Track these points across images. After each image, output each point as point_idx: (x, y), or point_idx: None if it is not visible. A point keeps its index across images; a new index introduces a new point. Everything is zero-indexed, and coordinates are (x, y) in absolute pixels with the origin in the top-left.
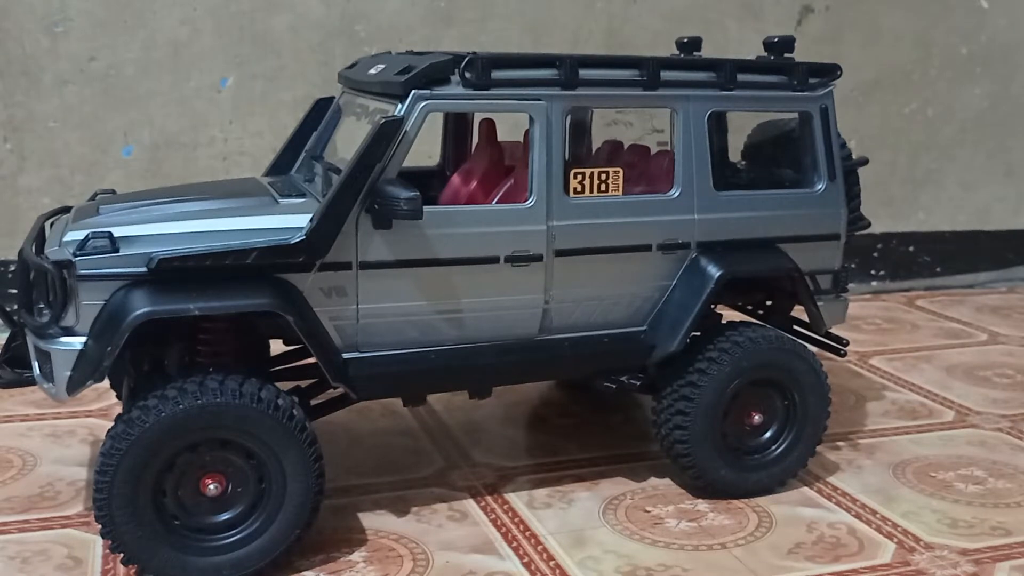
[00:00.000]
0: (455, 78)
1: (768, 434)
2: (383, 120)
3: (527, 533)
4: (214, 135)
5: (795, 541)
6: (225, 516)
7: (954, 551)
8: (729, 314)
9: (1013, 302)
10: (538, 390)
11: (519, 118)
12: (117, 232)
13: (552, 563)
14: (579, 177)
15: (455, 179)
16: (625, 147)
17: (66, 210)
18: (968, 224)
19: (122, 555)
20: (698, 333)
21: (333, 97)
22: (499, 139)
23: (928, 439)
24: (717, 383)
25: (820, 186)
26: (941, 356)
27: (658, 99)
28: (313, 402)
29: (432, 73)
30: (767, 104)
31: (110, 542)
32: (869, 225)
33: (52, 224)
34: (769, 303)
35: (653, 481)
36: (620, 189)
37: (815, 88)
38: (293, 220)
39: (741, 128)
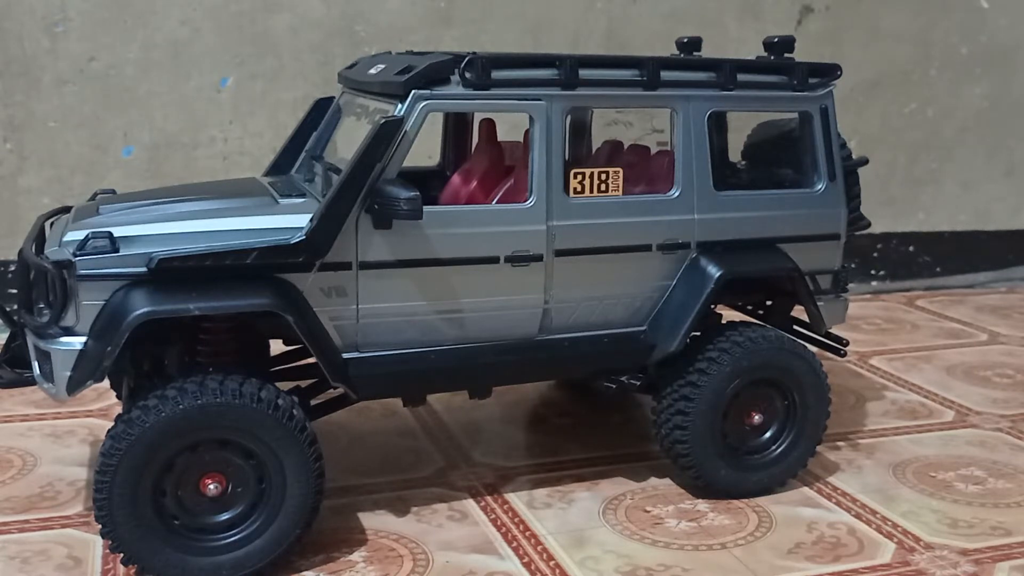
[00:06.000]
0: (455, 78)
1: (768, 434)
2: (383, 120)
3: (527, 533)
4: (214, 135)
5: (795, 541)
6: (225, 516)
7: (954, 551)
8: (729, 314)
9: (1013, 302)
10: (538, 390)
11: (519, 118)
12: (117, 232)
13: (552, 563)
14: (579, 177)
15: (455, 179)
16: (625, 147)
17: (66, 210)
18: (968, 224)
19: (122, 555)
20: (698, 333)
21: (333, 97)
22: (499, 139)
23: (928, 439)
24: (717, 383)
25: (820, 186)
26: (941, 356)
27: (658, 99)
28: (313, 402)
29: (432, 73)
30: (767, 104)
31: (110, 542)
32: (869, 225)
33: (52, 224)
34: (769, 303)
35: (653, 481)
36: (620, 189)
37: (815, 88)
38: (293, 220)
39: (741, 128)
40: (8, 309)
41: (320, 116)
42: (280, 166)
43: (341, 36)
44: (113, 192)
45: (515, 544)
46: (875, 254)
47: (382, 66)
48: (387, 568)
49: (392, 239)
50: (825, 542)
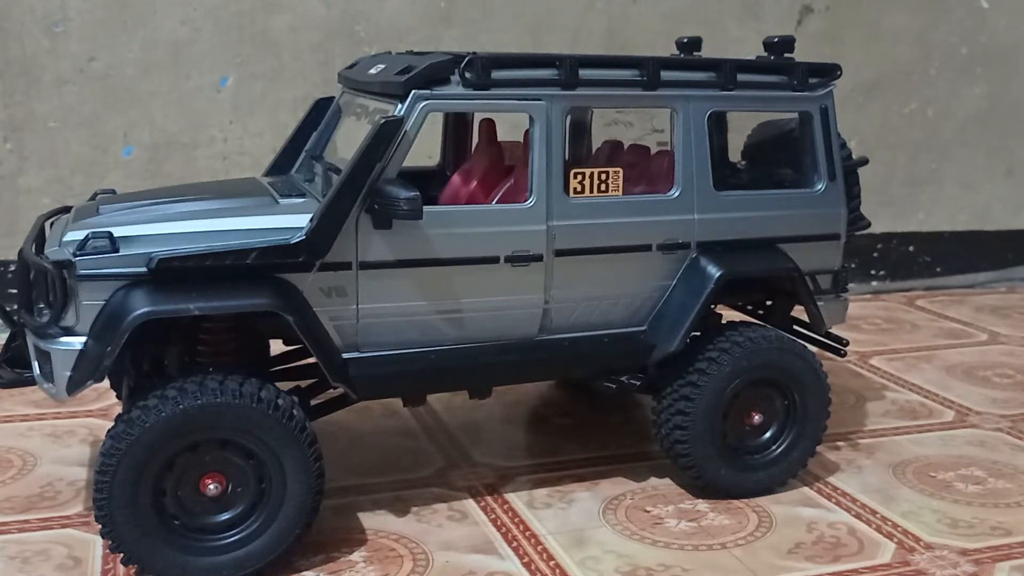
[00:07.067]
0: (455, 78)
1: (768, 434)
2: (383, 120)
3: (527, 533)
4: (214, 135)
5: (795, 541)
6: (225, 516)
7: (954, 551)
8: (729, 314)
9: (1013, 302)
10: (538, 390)
11: (519, 118)
12: (117, 232)
13: (552, 563)
14: (579, 177)
15: (455, 179)
16: (625, 147)
17: (66, 210)
18: (968, 224)
19: (122, 555)
20: (698, 333)
21: (333, 97)
22: (499, 139)
23: (928, 439)
24: (717, 383)
25: (820, 186)
26: (941, 356)
27: (658, 99)
28: (313, 402)
29: (432, 73)
30: (767, 104)
31: (110, 542)
32: (869, 225)
33: (52, 224)
34: (769, 303)
35: (653, 481)
36: (620, 189)
37: (815, 88)
38: (293, 220)
39: (741, 128)
40: (8, 309)
41: (320, 116)
42: (280, 166)
43: (341, 36)
44: (113, 192)
45: (515, 544)
46: (875, 254)
47: (382, 66)
48: (387, 568)
49: (392, 239)
50: (825, 542)
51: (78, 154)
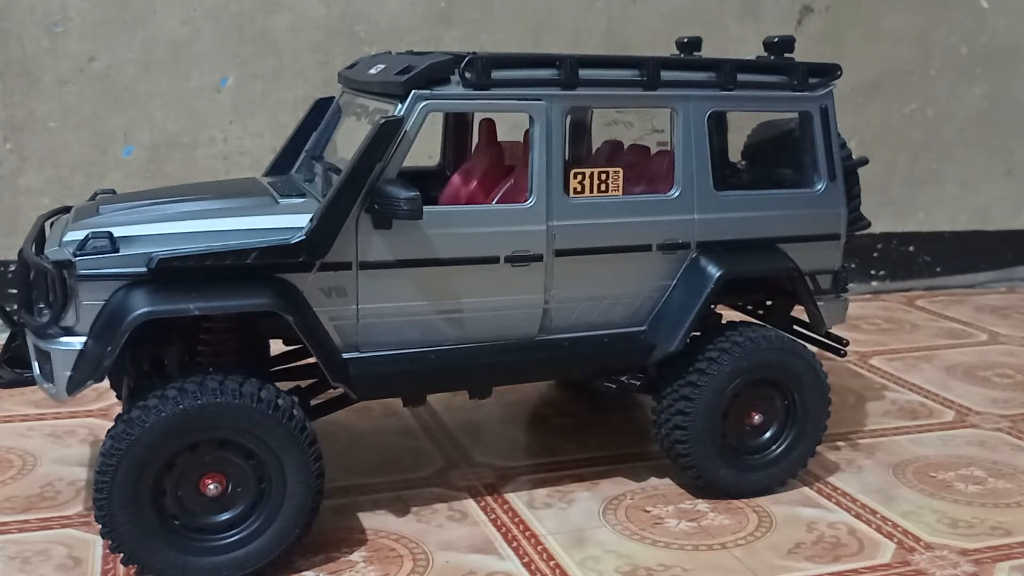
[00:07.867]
0: (455, 78)
1: (768, 434)
2: (383, 120)
3: (527, 533)
4: (214, 135)
5: (795, 541)
6: (225, 516)
7: (954, 551)
8: (729, 314)
9: (1013, 302)
10: (538, 390)
11: (519, 118)
12: (117, 232)
13: (552, 563)
14: (579, 177)
15: (455, 179)
16: (625, 147)
17: (66, 210)
18: (968, 224)
19: (122, 555)
20: (698, 333)
21: (333, 97)
22: (499, 139)
23: (928, 439)
24: (717, 383)
25: (820, 186)
26: (941, 356)
27: (658, 99)
28: (313, 402)
29: (432, 73)
30: (767, 104)
31: (110, 542)
32: (869, 225)
33: (52, 224)
34: (769, 303)
35: (653, 481)
36: (620, 189)
37: (815, 88)
38: (293, 220)
39: (741, 128)
40: (8, 309)
41: (320, 116)
42: (280, 166)
43: (341, 36)
44: (113, 192)
45: (515, 544)
46: (875, 254)
47: (382, 66)
48: (387, 568)
49: (392, 239)
50: (825, 542)
51: (78, 154)
